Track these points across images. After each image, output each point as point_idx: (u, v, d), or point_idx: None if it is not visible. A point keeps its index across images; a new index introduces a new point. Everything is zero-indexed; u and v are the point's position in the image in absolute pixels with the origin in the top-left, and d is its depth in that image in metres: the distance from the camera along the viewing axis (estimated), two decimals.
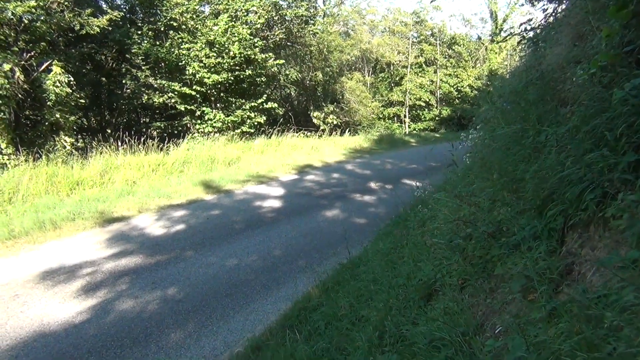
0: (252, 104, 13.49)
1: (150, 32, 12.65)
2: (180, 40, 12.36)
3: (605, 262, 1.25)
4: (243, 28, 12.71)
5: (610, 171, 1.42)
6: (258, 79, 13.80)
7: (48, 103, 9.16)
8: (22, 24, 8.71)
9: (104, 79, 13.16)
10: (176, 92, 12.55)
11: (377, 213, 6.51)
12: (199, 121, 13.00)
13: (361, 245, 4.70)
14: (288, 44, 16.29)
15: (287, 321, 3.35)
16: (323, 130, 17.33)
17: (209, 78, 12.33)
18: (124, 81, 13.00)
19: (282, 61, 14.70)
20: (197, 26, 12.67)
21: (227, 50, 12.45)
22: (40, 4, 8.50)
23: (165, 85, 12.48)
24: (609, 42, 1.66)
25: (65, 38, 10.51)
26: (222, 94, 13.35)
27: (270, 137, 13.30)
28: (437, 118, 24.69)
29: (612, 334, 1.04)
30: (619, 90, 1.42)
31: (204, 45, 12.26)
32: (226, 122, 13.01)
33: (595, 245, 1.48)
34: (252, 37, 12.91)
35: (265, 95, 13.96)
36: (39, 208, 6.08)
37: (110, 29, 10.59)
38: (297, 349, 2.70)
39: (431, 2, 25.59)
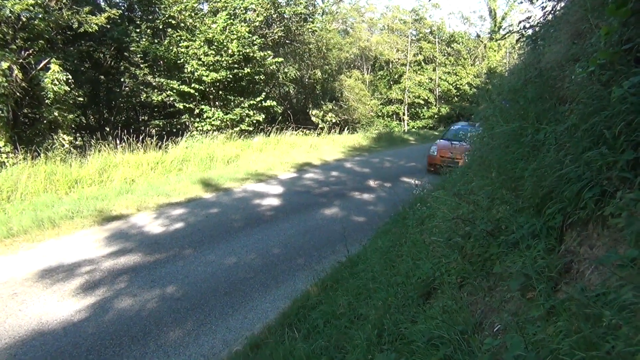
0: (251, 102, 13.48)
1: (148, 30, 12.64)
2: (178, 38, 12.33)
3: (603, 260, 1.25)
4: (242, 26, 12.69)
5: (608, 169, 1.42)
6: (257, 77, 13.80)
7: (46, 101, 9.15)
8: (20, 22, 8.68)
9: (102, 77, 13.14)
10: (175, 90, 12.53)
11: (375, 211, 6.51)
12: (197, 119, 12.98)
13: (360, 243, 4.69)
14: (287, 41, 16.27)
15: (286, 319, 3.35)
16: (322, 129, 17.34)
17: (207, 76, 12.31)
18: (122, 79, 12.99)
19: (280, 59, 14.67)
20: (195, 24, 12.64)
21: (225, 48, 12.43)
22: (39, 1, 8.47)
23: (164, 83, 12.45)
24: (607, 40, 1.65)
25: (64, 36, 10.48)
26: (220, 92, 13.34)
27: (269, 135, 13.29)
28: (435, 116, 24.74)
29: (611, 333, 1.04)
30: (617, 88, 1.42)
31: (202, 43, 12.23)
32: (225, 120, 13.00)
33: (594, 244, 1.48)
34: (250, 35, 12.89)
35: (264, 94, 13.96)
36: (37, 206, 6.06)
37: (108, 26, 10.57)
38: (296, 347, 2.69)
39: None
